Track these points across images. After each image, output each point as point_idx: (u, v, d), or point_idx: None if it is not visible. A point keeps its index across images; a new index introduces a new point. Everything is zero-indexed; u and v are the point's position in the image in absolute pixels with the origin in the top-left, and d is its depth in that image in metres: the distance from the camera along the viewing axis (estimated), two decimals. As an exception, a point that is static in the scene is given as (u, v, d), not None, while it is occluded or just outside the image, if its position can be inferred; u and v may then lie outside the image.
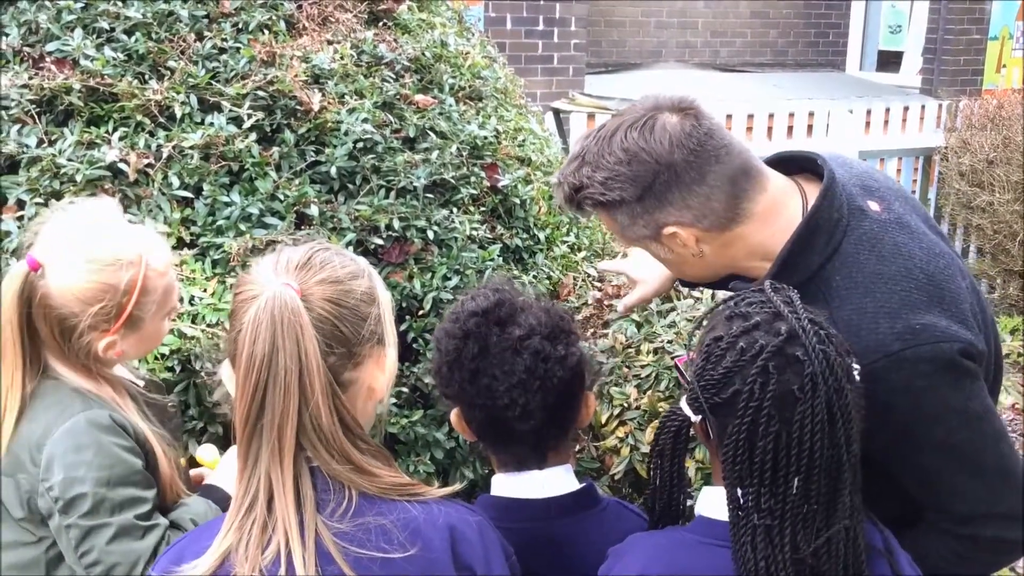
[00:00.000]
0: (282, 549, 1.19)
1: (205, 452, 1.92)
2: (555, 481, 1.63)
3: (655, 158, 1.53)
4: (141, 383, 1.83)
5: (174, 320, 2.07)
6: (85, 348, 1.64)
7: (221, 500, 1.80)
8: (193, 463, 1.96)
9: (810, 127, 6.91)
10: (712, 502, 1.41)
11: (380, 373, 1.33)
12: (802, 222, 1.56)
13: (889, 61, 10.75)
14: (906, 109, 7.20)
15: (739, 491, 1.32)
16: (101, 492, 1.57)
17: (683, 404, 1.39)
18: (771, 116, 6.84)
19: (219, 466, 1.89)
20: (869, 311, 1.51)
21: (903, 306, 1.51)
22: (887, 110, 7.17)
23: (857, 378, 1.35)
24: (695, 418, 1.38)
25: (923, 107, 7.34)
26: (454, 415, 1.65)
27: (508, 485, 1.64)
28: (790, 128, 6.92)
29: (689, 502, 1.52)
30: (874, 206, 1.62)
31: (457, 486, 1.37)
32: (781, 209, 1.60)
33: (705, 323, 1.45)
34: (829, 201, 1.57)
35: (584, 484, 1.67)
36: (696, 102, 1.60)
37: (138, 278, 1.62)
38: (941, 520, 1.58)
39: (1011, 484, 1.55)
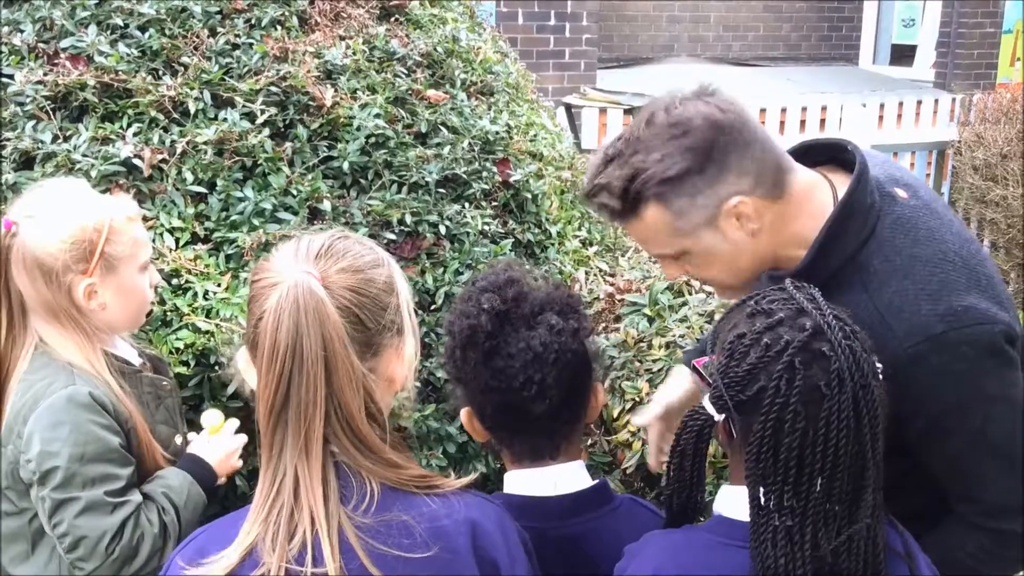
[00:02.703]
0: (308, 539, 1.17)
1: (209, 417, 1.94)
2: (568, 478, 1.62)
3: (709, 123, 1.49)
4: (138, 362, 1.88)
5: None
6: (66, 292, 1.71)
7: (204, 471, 1.85)
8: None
9: (823, 121, 6.90)
10: (731, 502, 1.40)
11: (399, 363, 1.31)
12: (838, 206, 1.54)
13: (903, 55, 10.70)
14: (919, 103, 7.17)
15: (761, 490, 1.30)
16: (73, 467, 1.64)
17: (706, 403, 1.36)
18: (783, 110, 6.82)
19: (218, 434, 1.92)
20: (911, 293, 1.49)
21: (944, 288, 1.49)
22: (900, 104, 7.15)
23: (880, 377, 1.33)
24: (718, 417, 1.35)
25: (936, 101, 7.31)
26: (464, 415, 1.64)
27: (521, 482, 1.63)
28: (803, 122, 6.90)
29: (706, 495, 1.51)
30: (902, 193, 1.61)
31: (473, 476, 1.36)
32: (812, 194, 1.58)
33: (723, 322, 1.42)
34: (863, 185, 1.55)
35: (597, 481, 1.66)
36: (713, 86, 1.58)
37: (107, 218, 1.71)
38: (970, 512, 1.55)
39: None
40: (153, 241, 2.15)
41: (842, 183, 1.59)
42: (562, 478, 1.62)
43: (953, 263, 1.52)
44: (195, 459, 1.86)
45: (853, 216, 1.54)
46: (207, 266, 2.18)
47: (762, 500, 1.30)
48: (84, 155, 2.19)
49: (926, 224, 1.56)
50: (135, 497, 1.71)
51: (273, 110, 2.39)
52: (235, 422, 1.95)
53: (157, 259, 2.12)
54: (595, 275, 2.89)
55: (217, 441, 1.91)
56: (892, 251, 1.53)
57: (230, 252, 2.23)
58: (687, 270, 1.66)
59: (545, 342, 1.53)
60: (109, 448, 1.68)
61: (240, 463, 1.95)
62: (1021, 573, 1.62)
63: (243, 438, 1.94)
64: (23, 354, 1.75)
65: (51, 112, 2.27)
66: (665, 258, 1.65)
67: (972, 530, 1.56)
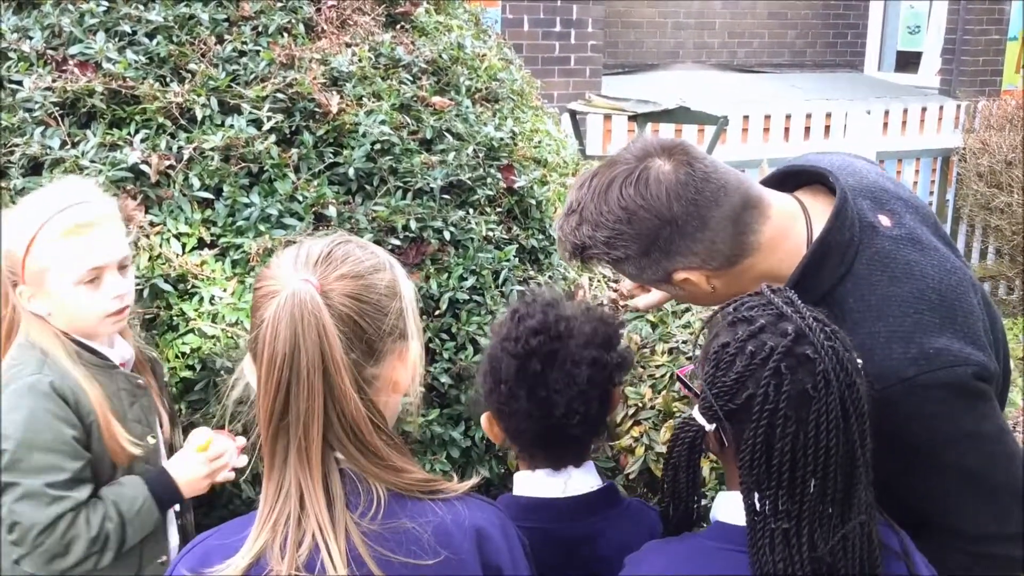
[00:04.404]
0: (320, 544, 1.17)
1: (196, 436, 1.91)
2: (579, 480, 1.64)
3: (655, 214, 1.51)
4: (118, 358, 1.89)
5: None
6: (16, 295, 1.79)
7: (166, 488, 1.84)
8: None
9: (828, 128, 6.90)
10: (728, 507, 1.41)
11: (403, 368, 1.30)
12: (814, 245, 1.55)
13: (908, 62, 10.71)
14: (924, 110, 7.17)
15: (756, 495, 1.31)
16: (20, 453, 1.69)
17: (696, 414, 1.37)
18: (788, 117, 6.83)
19: (203, 454, 1.89)
20: (882, 336, 1.49)
21: (916, 329, 1.49)
22: (905, 111, 7.15)
23: (863, 375, 1.34)
24: (709, 427, 1.36)
25: (941, 108, 7.31)
26: (485, 419, 1.66)
27: (531, 484, 1.64)
28: (807, 129, 6.90)
29: (704, 502, 1.52)
30: (885, 220, 1.60)
31: (476, 480, 1.36)
32: (787, 233, 1.58)
33: (705, 332, 1.44)
34: (840, 223, 1.55)
35: (606, 484, 1.67)
36: (685, 144, 1.57)
37: (32, 232, 1.74)
38: (951, 540, 1.57)
39: (1022, 504, 1.53)
40: (160, 246, 2.17)
41: (820, 213, 1.59)
42: (572, 480, 1.64)
43: (929, 300, 1.52)
44: (163, 474, 1.86)
45: (829, 255, 1.55)
46: (213, 271, 2.20)
47: (757, 506, 1.32)
48: (92, 161, 2.21)
49: (906, 258, 1.56)
50: (78, 494, 1.72)
51: (279, 116, 2.40)
52: (230, 439, 1.93)
53: (164, 263, 2.14)
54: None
55: (193, 462, 1.88)
56: (868, 289, 1.53)
57: (236, 257, 2.24)
58: None
59: (591, 378, 1.57)
60: (61, 439, 1.71)
61: (208, 485, 1.92)
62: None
63: (220, 463, 1.91)
64: (12, 342, 1.81)
65: (59, 118, 2.29)
66: None
67: (953, 552, 1.57)
